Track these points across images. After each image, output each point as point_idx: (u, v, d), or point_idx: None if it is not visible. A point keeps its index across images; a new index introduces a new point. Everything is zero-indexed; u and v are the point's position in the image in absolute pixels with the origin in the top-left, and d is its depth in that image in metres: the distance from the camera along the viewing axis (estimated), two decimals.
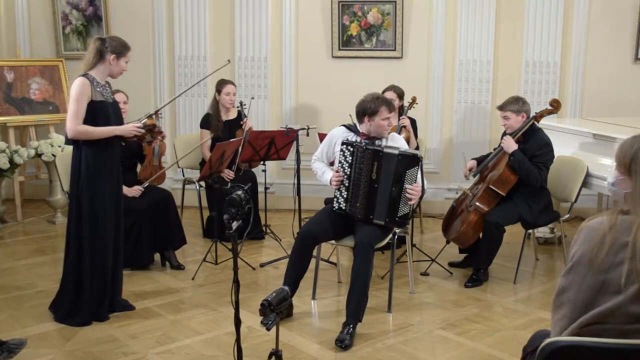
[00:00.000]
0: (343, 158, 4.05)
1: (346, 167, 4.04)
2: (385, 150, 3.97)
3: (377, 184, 3.97)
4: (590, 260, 1.95)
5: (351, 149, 4.01)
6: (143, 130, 3.94)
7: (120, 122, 3.99)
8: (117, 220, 4.00)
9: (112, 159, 3.95)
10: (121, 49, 3.88)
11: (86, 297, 3.89)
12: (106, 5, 6.74)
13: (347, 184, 4.05)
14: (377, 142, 4.11)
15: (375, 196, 3.98)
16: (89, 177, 3.85)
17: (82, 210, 3.86)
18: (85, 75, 3.83)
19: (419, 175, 3.95)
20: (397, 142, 4.18)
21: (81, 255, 3.89)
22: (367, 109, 4.07)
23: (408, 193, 3.93)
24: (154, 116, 4.12)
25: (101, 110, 3.84)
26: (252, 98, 5.92)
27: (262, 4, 6.52)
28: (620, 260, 1.92)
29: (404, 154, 3.94)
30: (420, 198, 4.03)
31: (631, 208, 1.97)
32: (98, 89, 3.85)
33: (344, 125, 4.29)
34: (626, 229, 1.92)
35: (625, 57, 6.34)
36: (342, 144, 4.06)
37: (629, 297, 1.90)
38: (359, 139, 4.11)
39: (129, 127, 3.91)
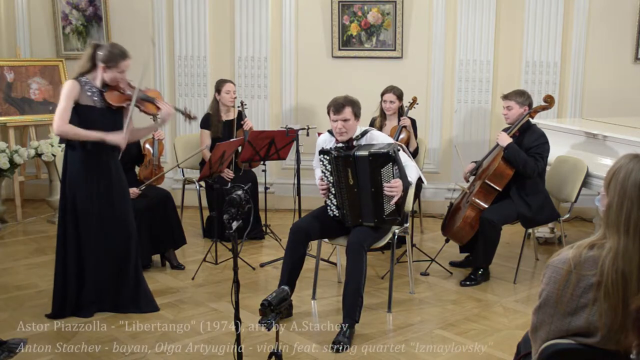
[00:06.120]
0: (324, 167, 4.02)
1: (328, 176, 4.02)
2: (356, 153, 3.88)
3: (356, 188, 3.93)
4: (556, 302, 1.95)
5: (327, 158, 3.97)
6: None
7: (111, 129, 3.91)
8: (109, 224, 4.00)
9: (102, 163, 3.94)
10: (111, 59, 3.84)
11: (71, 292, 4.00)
12: (106, 5, 6.74)
13: (333, 191, 4.03)
14: (355, 143, 4.03)
15: (359, 200, 3.94)
16: (72, 178, 3.91)
17: (66, 209, 3.94)
18: (77, 78, 3.87)
19: (397, 171, 3.87)
20: (376, 140, 4.07)
21: (63, 252, 3.98)
22: (327, 113, 4.04)
23: (387, 191, 3.88)
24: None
25: (86, 115, 3.84)
26: (242, 101, 5.80)
27: (262, 4, 6.52)
28: (584, 303, 1.91)
29: (374, 153, 3.84)
30: (406, 192, 3.98)
31: (603, 226, 1.95)
32: (89, 94, 3.86)
33: (328, 131, 4.23)
34: (591, 267, 1.90)
35: (625, 57, 6.34)
36: (319, 153, 4.02)
37: (597, 341, 1.91)
38: (334, 145, 4.06)
39: (118, 138, 3.86)
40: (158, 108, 4.08)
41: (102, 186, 3.95)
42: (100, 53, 3.85)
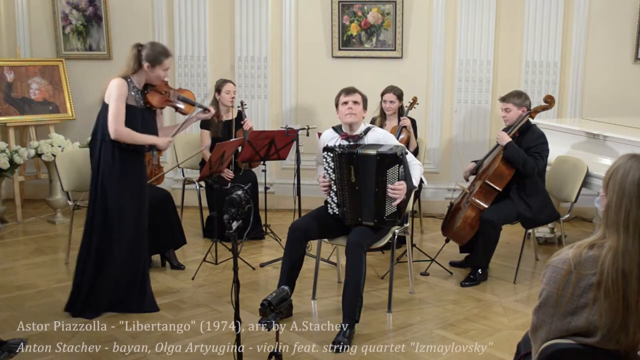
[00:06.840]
0: (327, 164, 4.03)
1: (331, 173, 4.02)
2: (361, 151, 3.89)
3: (358, 187, 3.93)
4: (556, 301, 1.96)
5: (331, 155, 3.98)
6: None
7: (150, 129, 3.99)
8: (138, 225, 4.02)
9: (136, 160, 3.99)
10: (155, 57, 3.90)
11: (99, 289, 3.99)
12: (106, 5, 6.74)
13: (335, 189, 4.04)
14: (360, 140, 4.07)
15: (359, 199, 3.95)
16: (105, 173, 3.91)
17: (95, 205, 3.94)
18: (124, 77, 3.90)
19: (403, 173, 3.88)
20: (379, 135, 4.13)
21: (87, 248, 3.99)
22: (335, 104, 4.17)
23: (391, 192, 3.88)
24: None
25: (129, 115, 3.87)
26: (242, 101, 5.82)
27: (262, 4, 6.52)
28: (584, 303, 1.91)
29: (382, 154, 3.85)
30: (409, 195, 3.99)
31: (602, 226, 1.95)
32: (132, 93, 3.91)
33: (332, 127, 4.27)
34: (591, 267, 1.91)
35: (625, 57, 6.34)
36: (323, 150, 4.04)
37: (597, 341, 1.92)
38: (340, 141, 4.09)
39: (166, 142, 4.00)
40: (192, 107, 4.15)
41: (134, 183, 3.97)
42: (148, 51, 3.90)
